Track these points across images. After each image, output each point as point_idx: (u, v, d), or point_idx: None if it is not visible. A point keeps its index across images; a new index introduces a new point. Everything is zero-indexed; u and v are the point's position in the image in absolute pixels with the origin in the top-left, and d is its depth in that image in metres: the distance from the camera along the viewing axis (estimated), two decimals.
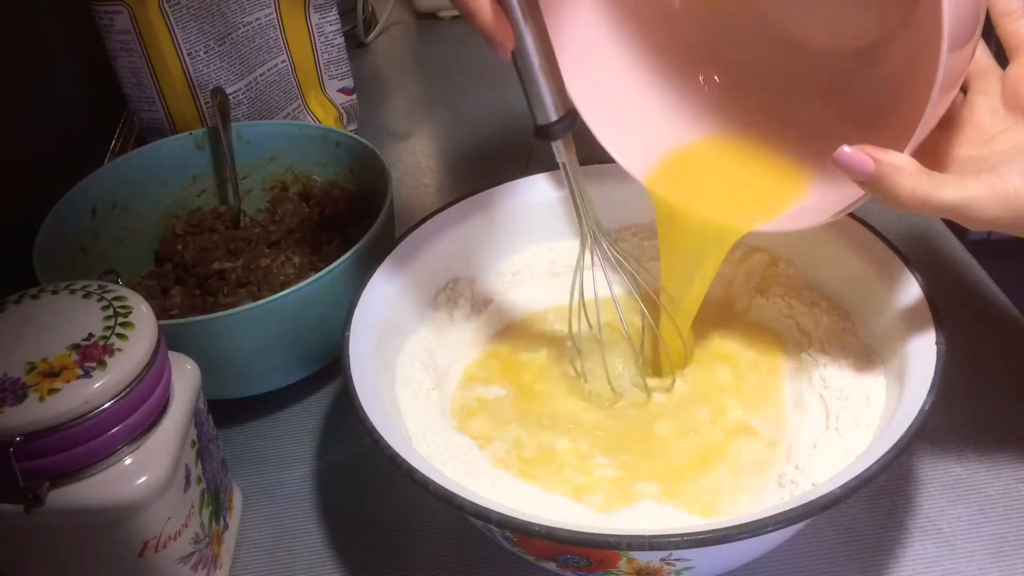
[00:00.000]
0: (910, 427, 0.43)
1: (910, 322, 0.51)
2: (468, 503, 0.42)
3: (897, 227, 0.75)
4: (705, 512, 0.50)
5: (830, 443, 0.50)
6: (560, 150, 0.51)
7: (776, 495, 0.49)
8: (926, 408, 0.44)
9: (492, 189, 0.63)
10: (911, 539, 0.52)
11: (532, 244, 0.64)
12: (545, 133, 0.50)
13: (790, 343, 0.58)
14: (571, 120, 0.51)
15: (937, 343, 0.48)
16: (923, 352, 0.48)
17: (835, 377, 0.54)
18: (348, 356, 0.50)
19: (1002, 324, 0.66)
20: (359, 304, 0.54)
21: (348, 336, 0.52)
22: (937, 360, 0.47)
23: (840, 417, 0.51)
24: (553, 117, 0.50)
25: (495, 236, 0.63)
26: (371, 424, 0.46)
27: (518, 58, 0.48)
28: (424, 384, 0.56)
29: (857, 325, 0.56)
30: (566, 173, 0.53)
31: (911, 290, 0.52)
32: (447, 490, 0.43)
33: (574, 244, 0.61)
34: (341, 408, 0.64)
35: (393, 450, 0.45)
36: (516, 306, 0.63)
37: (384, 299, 0.56)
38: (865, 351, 0.54)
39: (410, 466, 0.44)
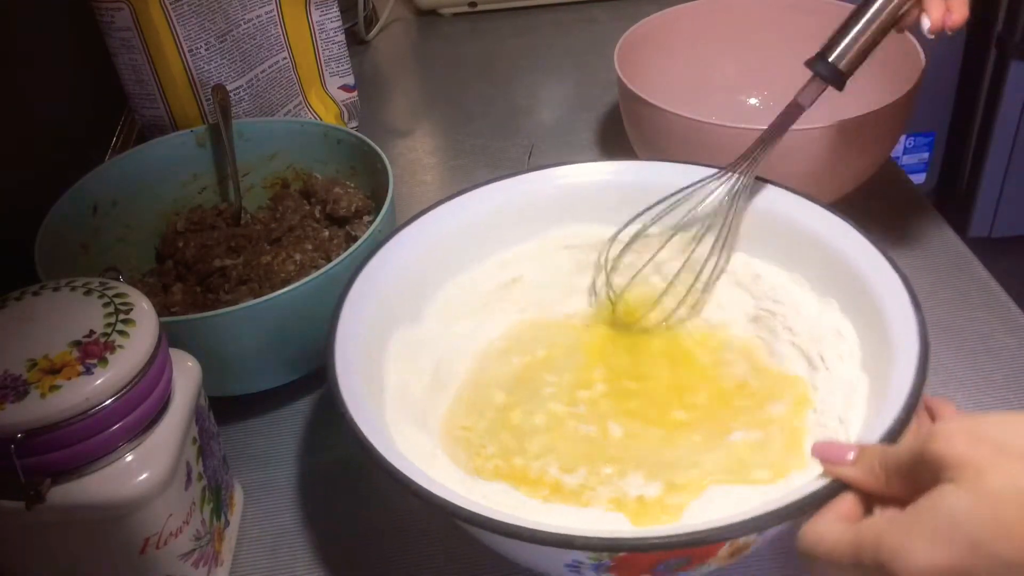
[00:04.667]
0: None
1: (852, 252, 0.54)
2: (579, 539, 0.40)
3: (899, 225, 0.75)
4: (771, 478, 0.50)
5: (830, 382, 0.52)
6: (811, 92, 0.57)
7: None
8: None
9: (489, 184, 0.63)
10: None
11: (530, 238, 0.64)
12: (818, 66, 0.56)
13: (745, 315, 0.60)
14: (841, 77, 0.56)
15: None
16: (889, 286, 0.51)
17: (798, 323, 0.56)
18: (334, 359, 0.50)
19: (1003, 321, 0.66)
20: (345, 303, 0.54)
21: (334, 342, 0.51)
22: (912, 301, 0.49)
23: (823, 356, 0.53)
24: (833, 59, 0.55)
25: (489, 231, 0.63)
26: (391, 466, 0.44)
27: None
28: (419, 383, 0.55)
29: (799, 276, 0.58)
30: (787, 114, 0.58)
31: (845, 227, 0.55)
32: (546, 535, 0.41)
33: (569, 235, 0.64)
34: None
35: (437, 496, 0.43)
36: (511, 301, 0.63)
37: (372, 297, 0.55)
38: (814, 294, 0.56)
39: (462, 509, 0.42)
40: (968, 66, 1.60)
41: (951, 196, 1.70)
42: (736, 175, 0.58)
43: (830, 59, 0.56)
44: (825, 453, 0.41)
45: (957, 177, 1.69)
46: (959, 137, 1.67)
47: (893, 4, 0.54)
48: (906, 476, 0.37)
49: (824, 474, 0.41)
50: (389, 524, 0.56)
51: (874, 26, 0.55)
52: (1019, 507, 0.32)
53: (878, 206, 0.77)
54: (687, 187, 0.59)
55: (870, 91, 0.70)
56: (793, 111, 0.58)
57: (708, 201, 0.59)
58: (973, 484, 0.33)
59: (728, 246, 0.60)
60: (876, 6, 0.55)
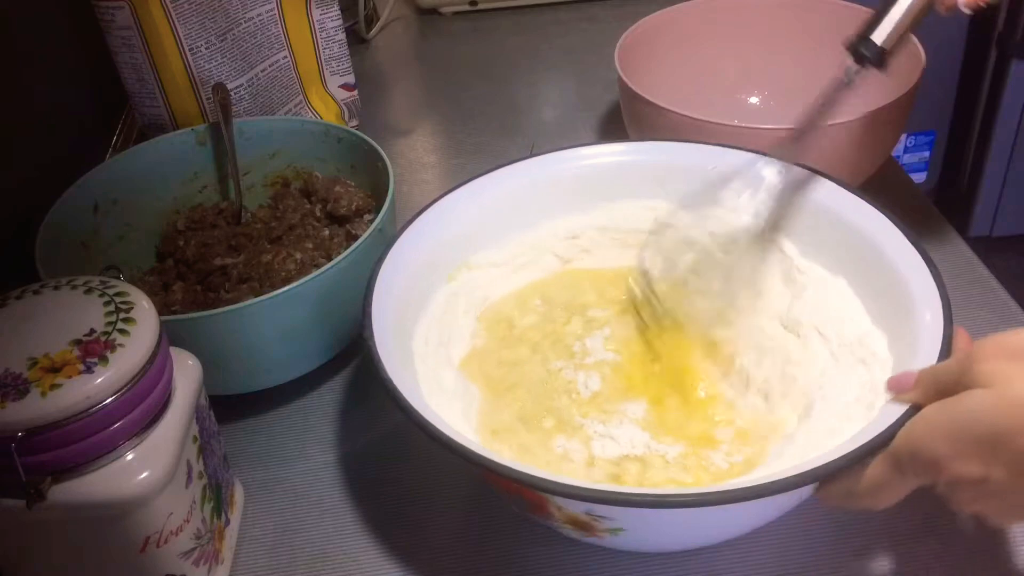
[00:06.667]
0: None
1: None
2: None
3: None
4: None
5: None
6: (852, 75, 0.53)
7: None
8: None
9: (507, 166, 0.65)
10: (911, 536, 0.52)
11: (544, 221, 0.66)
12: (859, 48, 0.53)
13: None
14: (883, 59, 0.53)
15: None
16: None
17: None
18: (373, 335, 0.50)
19: (1003, 320, 0.66)
20: (379, 277, 0.54)
21: (370, 312, 0.51)
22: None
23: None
24: (878, 41, 0.52)
25: (507, 212, 0.64)
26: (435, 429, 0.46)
27: None
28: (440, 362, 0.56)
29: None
30: (821, 105, 0.55)
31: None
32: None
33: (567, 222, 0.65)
34: (342, 404, 0.64)
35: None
36: (520, 280, 0.64)
37: (403, 274, 0.56)
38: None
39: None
40: (968, 66, 1.60)
41: (952, 195, 1.70)
42: (778, 165, 0.57)
43: (876, 40, 0.53)
44: (896, 385, 0.45)
45: (958, 176, 1.69)
46: (960, 136, 1.67)
47: None
48: (951, 393, 0.41)
49: (896, 400, 0.45)
50: (390, 522, 0.56)
51: (917, 6, 0.52)
52: None
53: (876, 201, 0.77)
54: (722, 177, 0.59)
55: (870, 90, 0.70)
56: (838, 88, 0.54)
57: (751, 196, 0.59)
58: (1000, 389, 0.38)
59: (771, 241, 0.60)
60: None
